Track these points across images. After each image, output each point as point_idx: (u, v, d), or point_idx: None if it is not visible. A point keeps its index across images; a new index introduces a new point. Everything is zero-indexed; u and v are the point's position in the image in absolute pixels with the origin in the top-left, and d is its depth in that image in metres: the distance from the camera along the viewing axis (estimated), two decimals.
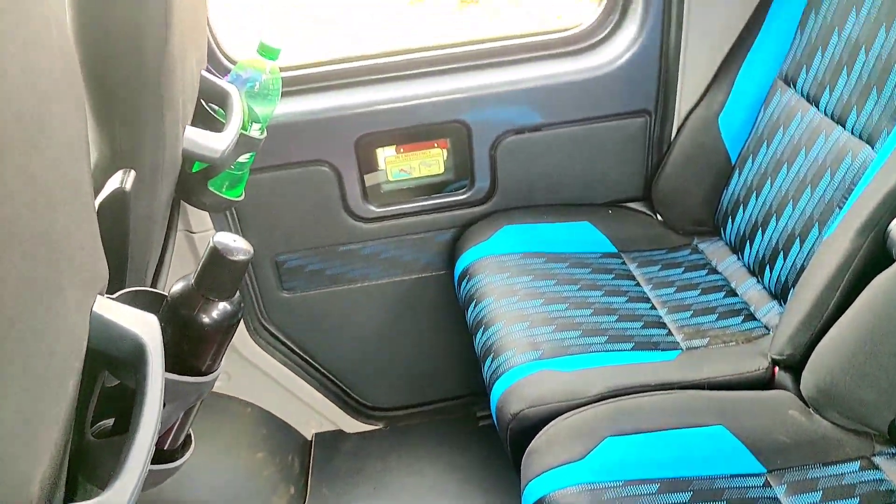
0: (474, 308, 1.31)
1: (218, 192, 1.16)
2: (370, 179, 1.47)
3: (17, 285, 0.44)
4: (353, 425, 1.72)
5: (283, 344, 1.60)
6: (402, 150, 1.47)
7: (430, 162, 1.48)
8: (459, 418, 1.73)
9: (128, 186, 0.76)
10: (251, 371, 1.59)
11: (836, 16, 1.16)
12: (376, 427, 1.73)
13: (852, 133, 1.12)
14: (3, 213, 0.43)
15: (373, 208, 1.48)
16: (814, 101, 1.20)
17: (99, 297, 0.60)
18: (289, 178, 1.43)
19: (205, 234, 1.42)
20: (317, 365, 1.64)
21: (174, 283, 0.70)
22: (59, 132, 0.53)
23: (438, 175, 1.49)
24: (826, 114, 1.18)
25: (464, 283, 1.39)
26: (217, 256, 0.66)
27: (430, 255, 1.54)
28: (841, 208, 1.09)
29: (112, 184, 0.75)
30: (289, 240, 1.49)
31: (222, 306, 0.68)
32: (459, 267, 1.43)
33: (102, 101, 0.78)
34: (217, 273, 0.66)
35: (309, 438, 1.72)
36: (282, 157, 1.39)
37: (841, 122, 1.14)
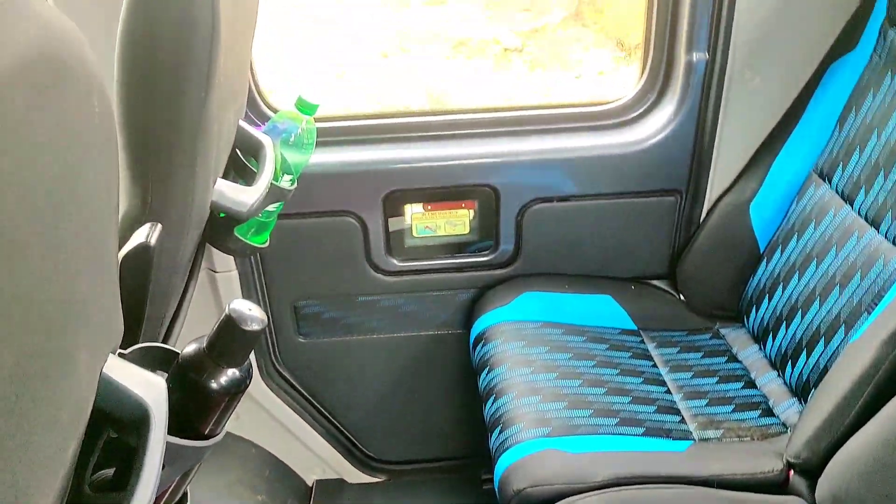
0: (487, 374, 1.30)
1: (243, 238, 1.17)
2: (393, 224, 1.48)
3: (28, 358, 0.44)
4: (355, 475, 1.70)
5: (294, 388, 1.60)
6: (429, 207, 1.47)
7: (456, 222, 1.48)
8: (463, 479, 1.70)
9: (153, 241, 0.76)
10: (259, 413, 1.59)
11: (876, 118, 1.15)
12: (378, 480, 1.71)
13: (885, 237, 1.10)
14: (23, 286, 0.44)
15: (395, 262, 1.49)
16: (848, 199, 1.19)
17: (110, 355, 0.61)
18: (315, 226, 1.44)
19: (227, 274, 1.44)
20: (325, 412, 1.63)
21: (186, 345, 0.70)
22: (90, 199, 0.53)
23: (463, 235, 1.50)
24: (860, 214, 1.16)
25: (479, 347, 1.38)
26: (231, 325, 0.66)
27: (447, 313, 1.53)
28: (869, 313, 1.07)
29: (137, 238, 0.76)
30: (309, 286, 1.50)
31: (231, 372, 0.68)
32: (476, 329, 1.42)
33: (137, 156, 0.80)
34: (230, 341, 0.66)
35: (310, 485, 1.70)
36: (310, 206, 1.41)
37: (875, 224, 1.13)
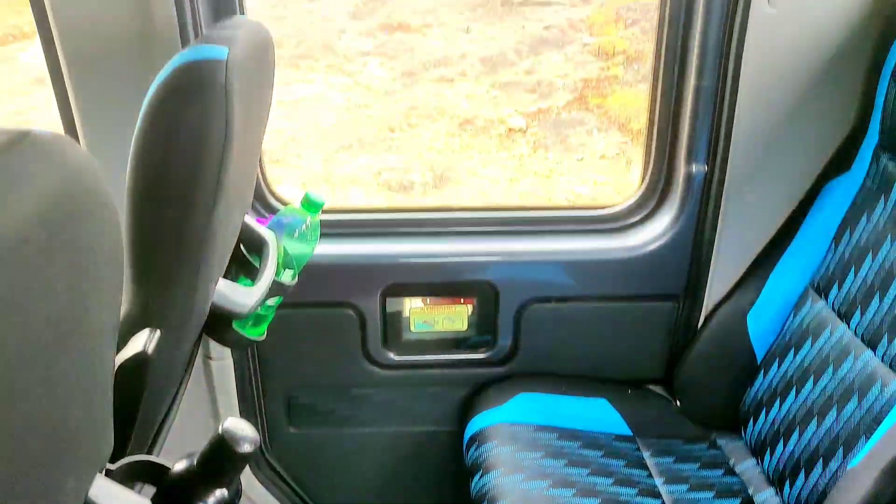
0: (480, 478, 1.28)
1: (240, 331, 1.17)
2: (391, 317, 1.48)
3: (13, 498, 0.43)
4: None
5: (283, 480, 1.56)
6: (428, 301, 1.48)
7: (454, 318, 1.49)
8: None
9: (150, 349, 0.76)
10: None
11: (871, 240, 1.17)
12: None
13: (882, 361, 1.10)
14: (13, 426, 0.43)
15: (391, 355, 1.48)
16: (844, 318, 1.19)
17: (97, 474, 0.60)
18: (312, 316, 1.44)
19: (222, 362, 1.43)
20: None
21: (176, 461, 0.69)
22: (91, 329, 0.54)
23: (461, 332, 1.50)
24: (856, 334, 1.16)
25: (473, 449, 1.35)
26: (223, 445, 0.65)
27: (442, 409, 1.52)
28: (867, 438, 1.06)
29: (135, 345, 0.76)
30: (304, 376, 1.49)
31: (220, 493, 0.67)
32: (471, 430, 1.40)
33: (141, 260, 0.81)
34: (221, 461, 0.66)
35: None
36: (308, 296, 1.41)
37: (871, 346, 1.13)
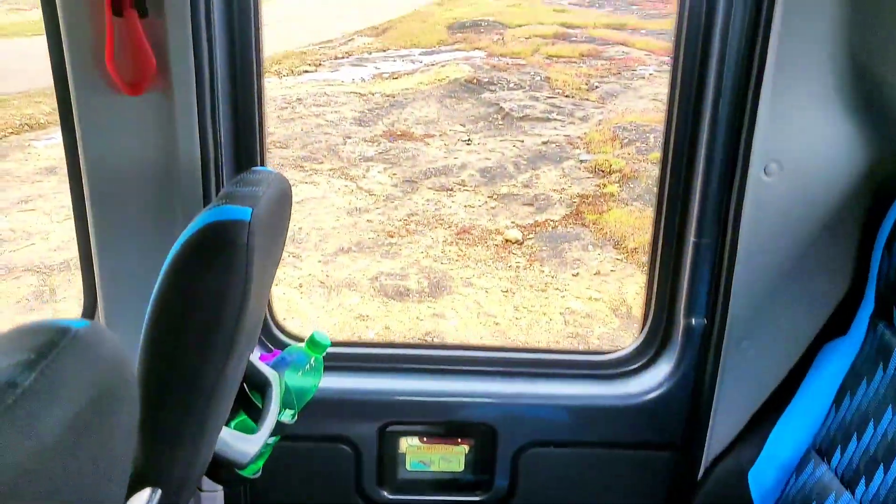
0: None
1: (236, 470, 1.15)
2: (387, 455, 1.45)
3: None
4: None
5: None
6: (424, 440, 1.46)
7: (451, 458, 1.46)
8: None
9: None
10: None
11: (871, 407, 1.18)
12: None
13: None
14: None
15: (386, 494, 1.45)
16: (848, 486, 1.18)
17: None
18: (308, 450, 1.42)
19: (212, 494, 1.39)
20: None
21: None
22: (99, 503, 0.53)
23: (457, 472, 1.47)
24: None
25: None
26: None
27: None
28: None
29: None
30: None
31: None
32: None
33: (150, 414, 0.81)
34: None
35: None
36: (304, 430, 1.39)
37: None
